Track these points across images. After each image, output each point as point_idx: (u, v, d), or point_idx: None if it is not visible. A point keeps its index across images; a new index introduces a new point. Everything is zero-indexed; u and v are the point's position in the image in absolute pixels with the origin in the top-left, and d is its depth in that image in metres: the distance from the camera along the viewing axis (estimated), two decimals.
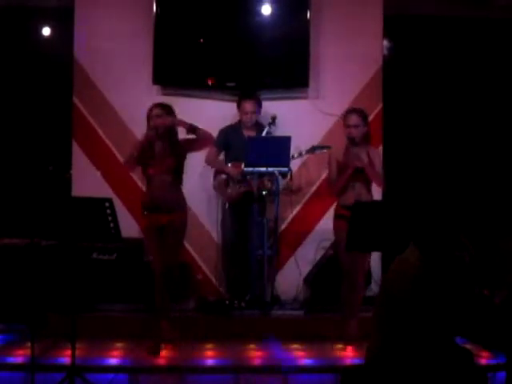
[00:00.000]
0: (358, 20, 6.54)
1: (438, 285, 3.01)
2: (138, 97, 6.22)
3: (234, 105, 6.23)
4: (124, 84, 6.44)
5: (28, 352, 4.32)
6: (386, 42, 6.81)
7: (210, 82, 6.46)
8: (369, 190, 5.45)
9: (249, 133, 6.11)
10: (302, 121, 6.46)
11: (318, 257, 6.33)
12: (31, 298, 5.03)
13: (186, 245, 6.46)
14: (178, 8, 6.41)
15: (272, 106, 6.41)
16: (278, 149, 5.82)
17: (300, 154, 6.08)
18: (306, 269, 6.37)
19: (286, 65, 6.44)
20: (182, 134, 5.32)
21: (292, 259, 6.48)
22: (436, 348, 3.06)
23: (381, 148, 6.32)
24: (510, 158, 6.96)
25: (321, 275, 6.18)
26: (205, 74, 6.46)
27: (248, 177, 5.97)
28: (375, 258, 6.08)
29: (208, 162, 6.16)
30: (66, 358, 4.68)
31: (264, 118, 6.30)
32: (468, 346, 3.30)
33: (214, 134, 5.89)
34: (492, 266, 5.09)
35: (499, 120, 7.03)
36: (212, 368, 4.84)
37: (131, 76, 6.45)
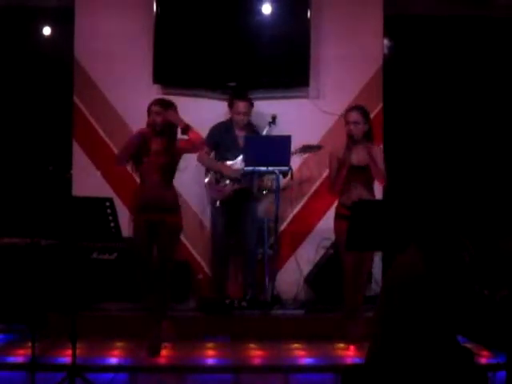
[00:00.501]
0: (358, 19, 6.55)
1: (439, 284, 3.01)
2: (138, 96, 6.21)
3: None
4: (124, 83, 6.44)
5: (28, 352, 4.32)
6: (386, 42, 6.82)
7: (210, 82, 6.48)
8: (370, 189, 5.44)
9: (240, 132, 6.11)
10: (303, 120, 6.46)
11: (319, 256, 6.33)
12: (31, 297, 5.03)
13: (187, 244, 6.47)
14: (178, 8, 6.41)
15: (272, 106, 6.41)
16: (278, 148, 5.83)
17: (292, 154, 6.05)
18: (306, 268, 6.37)
19: (286, 64, 6.44)
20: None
21: (292, 259, 6.48)
22: (437, 347, 3.05)
23: (381, 147, 6.32)
24: (511, 155, 6.97)
25: (321, 275, 6.18)
26: (205, 73, 6.46)
27: (239, 175, 5.96)
28: (375, 258, 6.07)
29: (200, 159, 6.08)
30: (66, 358, 4.68)
31: (264, 118, 6.30)
32: (468, 346, 3.29)
33: None
34: (492, 265, 5.09)
35: (500, 119, 7.03)
36: (212, 367, 4.83)
37: (131, 75, 6.45)
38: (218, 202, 6.04)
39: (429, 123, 6.98)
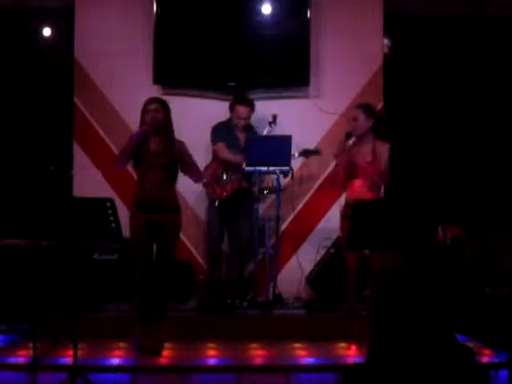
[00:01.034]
0: (358, 18, 6.54)
1: (423, 282, 3.00)
2: (138, 96, 6.15)
3: None
4: (124, 84, 6.45)
5: (30, 352, 4.33)
6: (386, 41, 6.82)
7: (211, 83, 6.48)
8: (373, 188, 5.37)
9: (240, 134, 6.13)
10: (303, 120, 6.46)
11: (320, 256, 6.32)
12: (33, 298, 5.03)
13: (188, 244, 6.47)
14: (178, 8, 6.42)
15: (272, 105, 6.41)
16: (278, 148, 5.83)
17: (292, 157, 6.04)
18: (307, 268, 6.37)
19: (286, 64, 6.44)
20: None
21: (293, 258, 6.49)
22: (437, 346, 3.05)
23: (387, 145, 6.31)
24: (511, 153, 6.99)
25: (322, 274, 6.18)
26: (205, 73, 6.46)
27: (238, 175, 5.98)
28: None
29: (220, 151, 6.05)
30: (67, 358, 4.67)
31: (264, 118, 6.30)
32: (470, 344, 3.29)
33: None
34: (493, 263, 5.10)
35: (499, 118, 7.03)
36: (213, 367, 4.83)
37: (131, 76, 6.45)
38: (216, 202, 6.03)
39: (429, 122, 6.98)
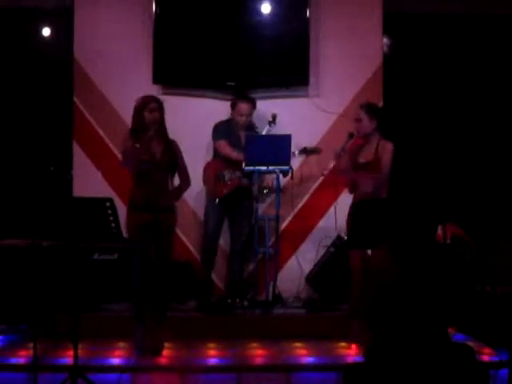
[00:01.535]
0: (357, 18, 6.54)
1: (419, 282, 3.01)
2: (138, 96, 6.20)
3: None
4: (124, 84, 6.44)
5: (30, 352, 4.33)
6: (386, 40, 6.82)
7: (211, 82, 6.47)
8: (378, 187, 5.31)
9: (242, 133, 6.11)
10: (302, 119, 6.46)
11: (320, 255, 6.33)
12: (33, 298, 5.03)
13: (188, 244, 6.47)
14: (177, 8, 6.41)
15: (272, 105, 6.40)
16: (278, 147, 5.82)
17: (293, 155, 6.04)
18: (307, 267, 6.38)
19: (285, 63, 6.43)
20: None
21: (293, 258, 6.49)
22: (437, 345, 3.05)
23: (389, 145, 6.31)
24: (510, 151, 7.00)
25: (322, 273, 6.18)
26: (205, 73, 6.46)
27: (238, 173, 5.97)
28: None
29: (221, 148, 6.04)
30: (68, 359, 4.67)
31: (264, 117, 6.29)
32: (470, 343, 3.30)
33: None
34: (494, 263, 5.10)
35: (499, 117, 7.03)
36: (213, 367, 4.83)
37: (131, 76, 6.45)
38: (217, 200, 6.02)
39: (429, 121, 6.98)
